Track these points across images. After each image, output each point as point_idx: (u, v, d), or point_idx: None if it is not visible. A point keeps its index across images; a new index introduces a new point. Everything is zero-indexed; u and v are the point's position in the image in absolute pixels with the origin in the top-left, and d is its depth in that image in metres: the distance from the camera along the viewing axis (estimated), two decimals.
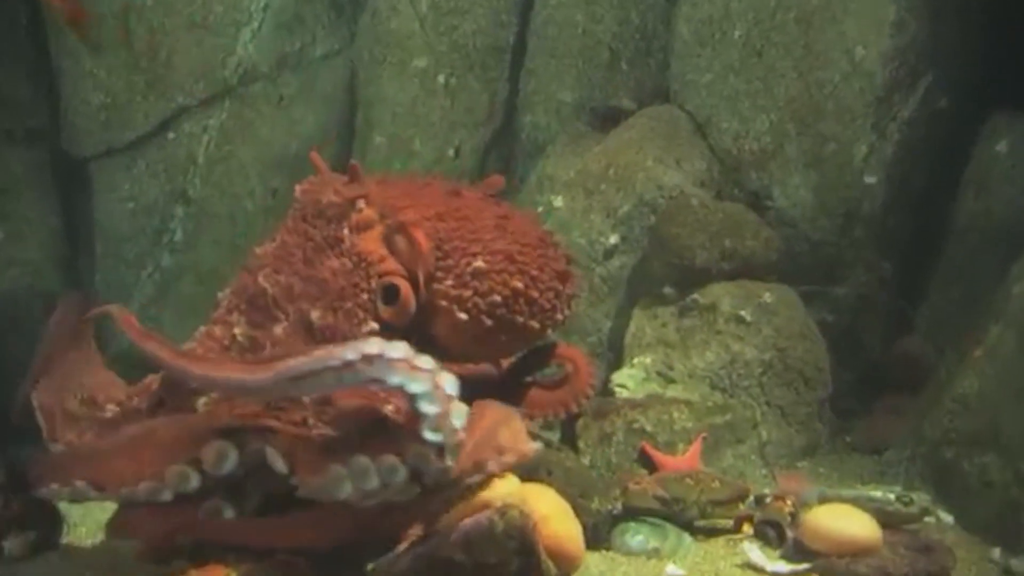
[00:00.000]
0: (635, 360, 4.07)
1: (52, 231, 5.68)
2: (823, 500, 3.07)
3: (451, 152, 5.31)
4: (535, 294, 2.56)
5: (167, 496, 2.22)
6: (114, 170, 5.72)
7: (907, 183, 4.47)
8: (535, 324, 2.58)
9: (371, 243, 2.51)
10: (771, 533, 3.00)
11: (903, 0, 4.32)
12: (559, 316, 2.71)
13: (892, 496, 3.02)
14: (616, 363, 4.22)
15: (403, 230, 2.51)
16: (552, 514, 2.46)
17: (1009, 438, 3.16)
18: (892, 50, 4.34)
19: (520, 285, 2.53)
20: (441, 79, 5.33)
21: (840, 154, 4.44)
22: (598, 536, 2.91)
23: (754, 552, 2.87)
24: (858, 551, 2.76)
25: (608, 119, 5.01)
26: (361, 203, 2.52)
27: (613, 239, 4.51)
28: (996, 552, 2.98)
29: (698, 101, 4.82)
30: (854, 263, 4.50)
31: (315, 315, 2.39)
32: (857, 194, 4.43)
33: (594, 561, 2.79)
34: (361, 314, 2.40)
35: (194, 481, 2.20)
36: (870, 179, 4.39)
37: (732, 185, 4.68)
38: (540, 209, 4.67)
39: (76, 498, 2.41)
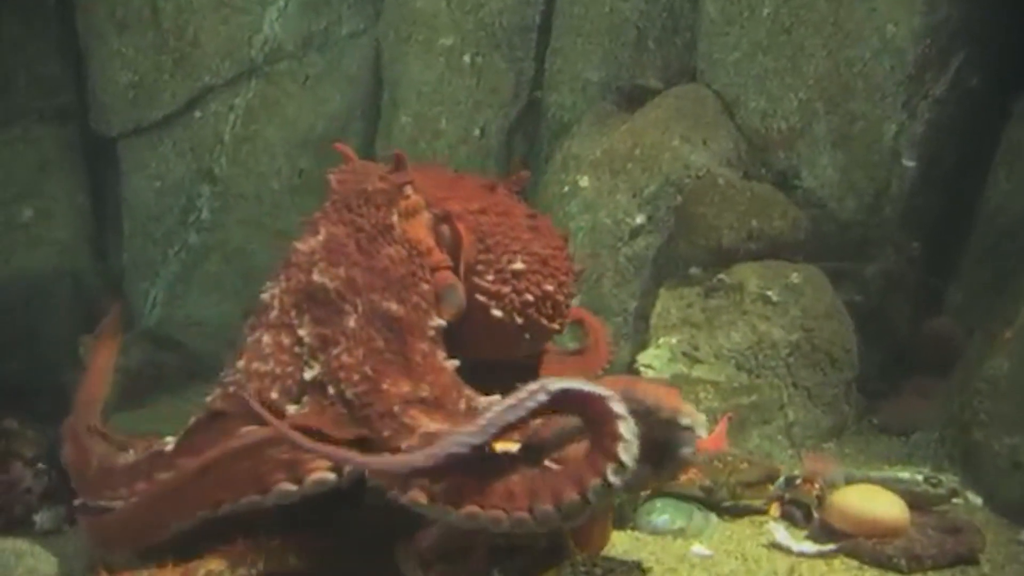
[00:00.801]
0: (661, 340, 4.06)
1: (80, 210, 5.73)
2: (850, 481, 3.06)
3: (476, 132, 5.30)
4: (560, 298, 2.54)
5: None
6: (141, 149, 5.76)
7: (937, 163, 4.43)
8: (555, 327, 2.56)
9: (420, 231, 2.45)
10: (798, 514, 2.99)
11: None
12: (567, 319, 2.69)
13: (920, 477, 3.01)
14: (642, 343, 4.21)
15: (448, 220, 2.47)
16: None
17: None
18: (923, 28, 4.29)
19: (551, 288, 2.51)
20: (467, 58, 5.31)
21: (869, 133, 4.40)
22: (623, 515, 2.91)
23: (780, 532, 2.86)
24: (885, 532, 2.75)
25: (634, 98, 4.98)
26: (408, 189, 2.47)
27: (639, 219, 4.49)
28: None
29: (725, 80, 4.78)
30: (883, 243, 4.46)
31: (393, 306, 2.32)
32: (886, 173, 4.39)
33: (620, 540, 2.79)
34: (424, 305, 2.35)
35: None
36: (909, 162, 4.34)
37: (759, 165, 4.64)
38: (565, 189, 4.65)
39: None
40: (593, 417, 1.90)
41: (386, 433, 2.11)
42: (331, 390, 2.22)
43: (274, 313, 2.34)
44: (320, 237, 2.39)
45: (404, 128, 5.41)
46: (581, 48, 5.19)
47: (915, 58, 4.31)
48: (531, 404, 1.87)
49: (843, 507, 2.85)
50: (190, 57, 5.55)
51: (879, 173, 4.40)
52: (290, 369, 2.30)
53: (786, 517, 3.02)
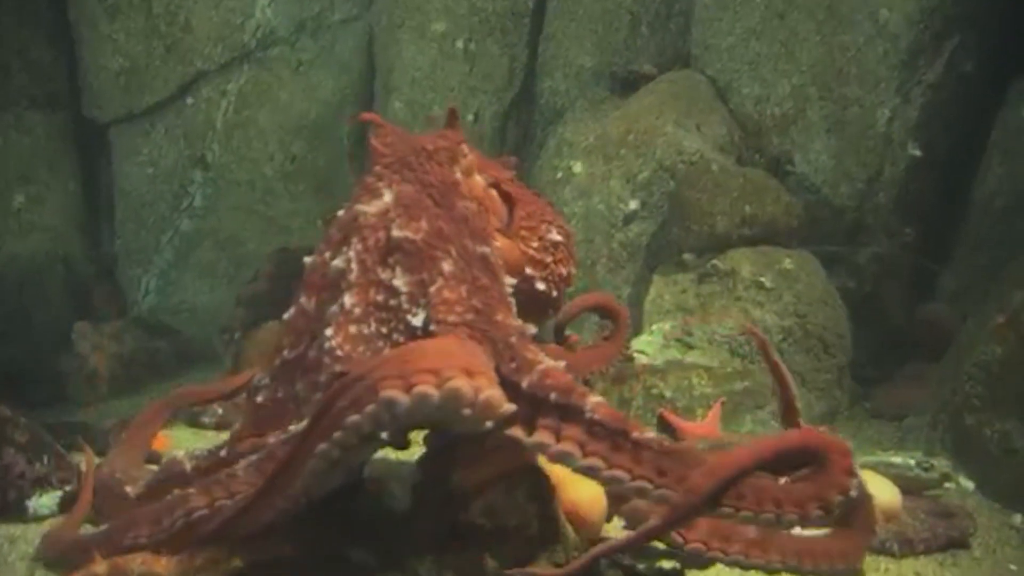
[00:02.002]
0: (654, 326, 4.06)
1: (72, 196, 5.71)
2: None
3: (470, 117, 5.29)
4: (571, 280, 2.55)
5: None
6: (133, 135, 5.75)
7: (931, 148, 4.42)
8: (560, 306, 2.57)
9: (478, 190, 2.44)
10: None
11: None
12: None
13: (912, 462, 3.01)
14: (636, 329, 4.21)
15: (497, 186, 2.46)
16: (572, 479, 2.46)
17: None
18: (917, 13, 4.29)
19: (573, 270, 2.53)
20: (460, 44, 5.30)
21: (863, 118, 4.39)
22: None
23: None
24: (877, 517, 2.75)
25: (628, 84, 4.97)
26: (465, 148, 2.46)
27: (633, 205, 4.49)
28: (1017, 518, 2.98)
29: (719, 65, 4.78)
30: (876, 229, 4.46)
31: (486, 249, 2.30)
32: (879, 159, 4.39)
33: (613, 526, 2.79)
34: (499, 261, 2.34)
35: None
36: (914, 150, 4.34)
37: (753, 150, 4.64)
38: (559, 175, 4.65)
39: None
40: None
41: (512, 364, 2.06)
42: (441, 330, 2.14)
43: (354, 275, 2.26)
44: (387, 198, 2.32)
45: (397, 114, 5.40)
46: (574, 34, 5.18)
47: (909, 43, 4.30)
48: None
49: None
50: (182, 43, 5.53)
51: (872, 159, 4.40)
52: (393, 323, 2.24)
53: None
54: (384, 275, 2.22)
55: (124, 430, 3.35)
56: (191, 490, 2.29)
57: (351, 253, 2.26)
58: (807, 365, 3.95)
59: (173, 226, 5.70)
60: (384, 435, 1.88)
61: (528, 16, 5.33)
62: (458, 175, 2.38)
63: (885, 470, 2.94)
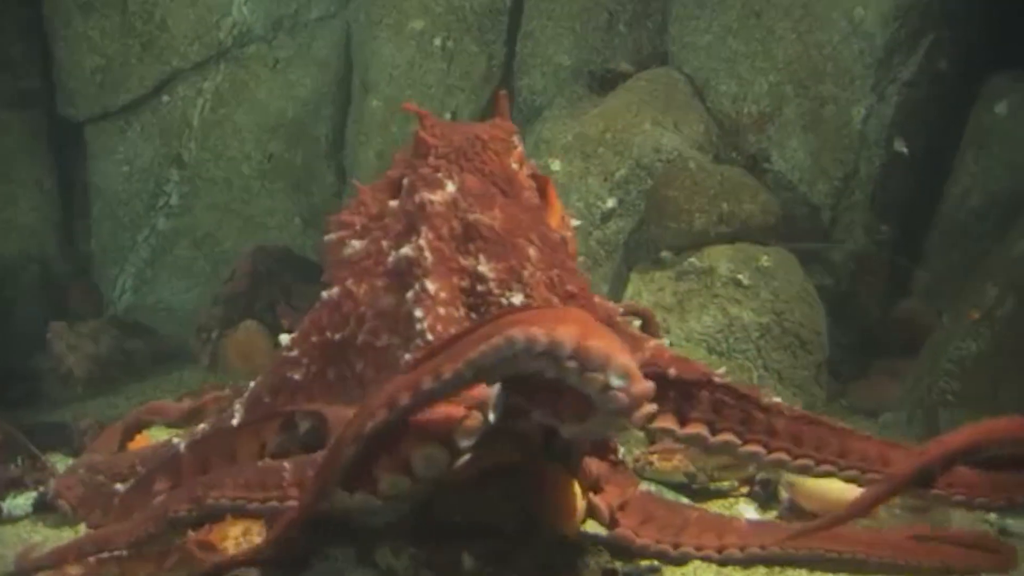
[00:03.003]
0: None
1: (47, 195, 5.68)
2: None
3: (448, 115, 5.28)
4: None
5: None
6: (109, 133, 5.71)
7: (906, 145, 4.44)
8: None
9: (526, 179, 2.43)
10: (763, 494, 3.01)
11: None
12: None
13: None
14: None
15: (539, 179, 2.46)
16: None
17: (1006, 400, 3.17)
18: (893, 11, 4.31)
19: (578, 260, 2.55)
20: (438, 41, 5.29)
21: (839, 116, 4.41)
22: None
23: (750, 513, 2.88)
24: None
25: (606, 82, 4.97)
26: (516, 138, 2.45)
27: (610, 203, 4.49)
28: (992, 513, 2.99)
29: (696, 63, 4.79)
30: (852, 226, 4.48)
31: (567, 234, 2.30)
32: (855, 157, 4.42)
33: (596, 527, 2.79)
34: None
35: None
36: (901, 147, 4.36)
37: (730, 148, 4.66)
38: None
39: None
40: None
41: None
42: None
43: (430, 262, 2.23)
44: (451, 188, 2.32)
45: (375, 112, 5.39)
46: (552, 32, 5.18)
47: (884, 41, 4.32)
48: None
49: (811, 487, 2.86)
50: (158, 40, 5.50)
51: (848, 156, 4.42)
52: (484, 309, 2.22)
53: (756, 498, 3.03)
54: (466, 262, 2.24)
55: (100, 432, 3.35)
56: (174, 492, 2.30)
57: (421, 241, 2.26)
58: (784, 362, 3.97)
59: (149, 225, 5.67)
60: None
61: (506, 14, 5.32)
62: (515, 165, 2.39)
63: None
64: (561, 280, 2.22)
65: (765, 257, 4.09)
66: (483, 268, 2.22)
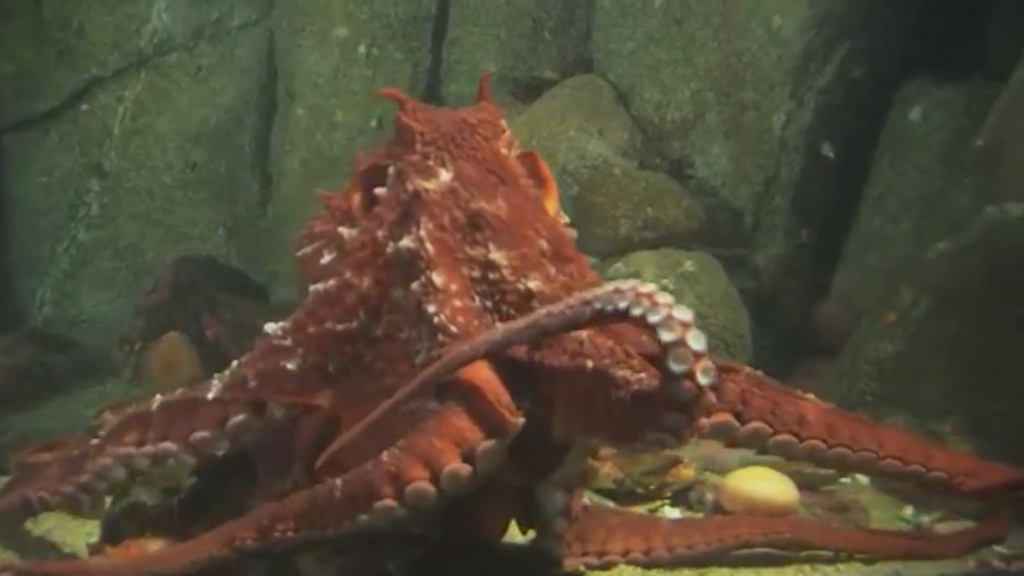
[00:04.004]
0: None
1: None
2: (744, 464, 3.11)
3: (374, 123, 5.26)
4: None
5: None
6: (27, 143, 5.60)
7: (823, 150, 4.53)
8: None
9: (519, 166, 2.36)
10: (691, 497, 3.04)
11: None
12: None
13: None
14: None
15: (528, 156, 2.39)
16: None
17: (921, 400, 3.24)
18: (809, 19, 4.39)
19: None
20: (362, 49, 5.27)
21: (759, 122, 4.49)
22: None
23: (675, 517, 2.91)
24: (775, 512, 2.80)
25: (531, 89, 5.00)
26: (503, 122, 2.37)
27: None
28: (908, 510, 3.06)
29: (620, 71, 4.83)
30: (774, 230, 4.56)
31: (572, 232, 2.25)
32: (775, 162, 4.49)
33: (514, 530, 2.79)
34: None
35: None
36: (828, 152, 4.43)
37: (654, 154, 4.71)
38: None
39: None
40: None
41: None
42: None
43: (433, 254, 2.11)
44: (446, 176, 2.19)
45: (300, 120, 5.35)
46: (478, 39, 5.19)
47: (801, 49, 4.40)
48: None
49: (735, 489, 2.90)
50: (76, 48, 5.41)
51: (769, 162, 4.49)
52: (499, 297, 2.10)
53: (679, 501, 3.07)
54: (474, 252, 2.13)
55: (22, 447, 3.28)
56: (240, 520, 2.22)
57: (422, 232, 2.15)
58: None
59: (69, 236, 5.56)
60: None
61: (431, 21, 5.32)
62: (504, 150, 2.31)
63: (784, 467, 3.00)
64: (581, 274, 2.18)
65: (689, 262, 4.14)
66: (494, 256, 2.11)
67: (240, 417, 2.33)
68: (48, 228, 5.57)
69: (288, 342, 2.30)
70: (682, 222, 4.29)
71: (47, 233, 5.58)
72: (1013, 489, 2.15)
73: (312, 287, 2.30)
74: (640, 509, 3.04)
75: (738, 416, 2.12)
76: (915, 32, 4.34)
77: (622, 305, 1.78)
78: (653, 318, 1.77)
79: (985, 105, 3.42)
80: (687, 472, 3.07)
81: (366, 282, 2.23)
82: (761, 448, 2.14)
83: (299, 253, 2.46)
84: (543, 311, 1.86)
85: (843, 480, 3.17)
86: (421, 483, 1.85)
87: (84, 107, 5.48)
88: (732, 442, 2.16)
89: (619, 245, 4.20)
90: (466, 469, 1.85)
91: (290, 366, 2.28)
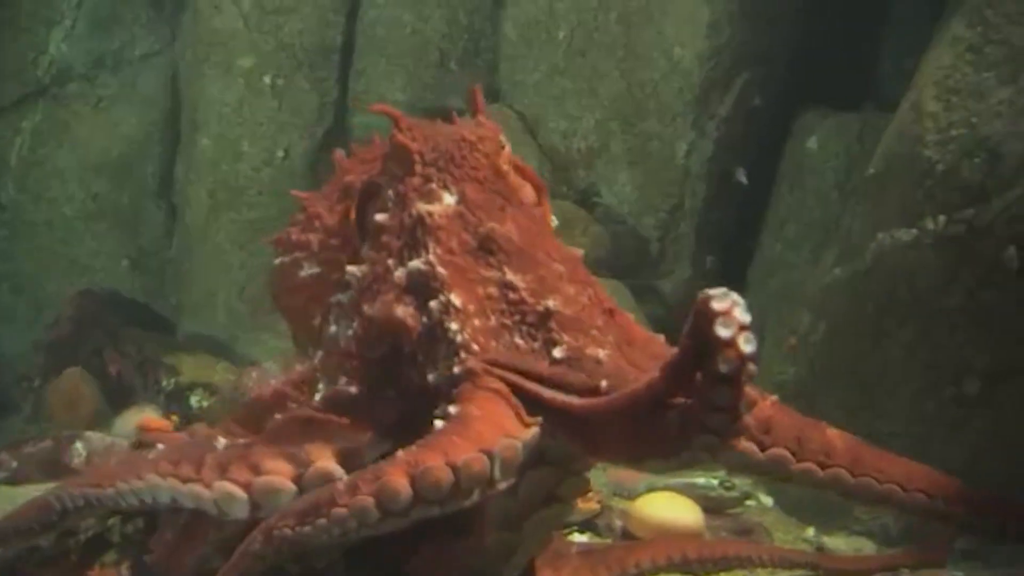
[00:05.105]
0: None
1: None
2: (650, 489, 3.15)
3: (280, 153, 5.23)
4: None
5: None
6: None
7: (727, 178, 4.62)
8: None
9: (522, 184, 2.30)
10: (600, 523, 3.06)
11: (718, 2, 4.47)
12: None
13: (715, 482, 3.13)
14: None
15: (527, 176, 2.33)
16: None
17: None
18: (708, 50, 4.48)
19: None
20: (267, 79, 5.23)
21: (662, 151, 4.56)
22: None
23: (583, 543, 2.92)
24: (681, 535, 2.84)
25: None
26: (503, 137, 2.30)
27: None
28: (810, 531, 3.13)
29: (527, 101, 4.89)
30: (680, 257, 4.63)
31: (578, 253, 2.19)
32: (679, 190, 4.57)
33: None
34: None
35: None
36: (742, 178, 4.51)
37: (562, 183, 4.76)
38: None
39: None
40: None
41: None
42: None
43: (447, 276, 2.01)
44: (451, 199, 2.08)
45: (205, 150, 5.29)
46: (384, 69, 5.20)
47: (701, 80, 4.50)
48: None
49: (642, 515, 2.94)
50: None
51: (673, 189, 4.57)
52: (518, 317, 2.09)
53: (589, 528, 3.08)
54: (489, 273, 2.05)
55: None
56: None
57: (431, 257, 2.07)
58: None
59: None
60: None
61: (337, 52, 5.31)
62: (505, 167, 2.26)
63: (689, 491, 3.05)
64: (599, 297, 2.15)
65: None
66: (511, 277, 2.02)
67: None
68: None
69: (344, 379, 2.21)
70: (590, 250, 4.27)
71: None
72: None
73: (330, 331, 2.22)
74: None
75: (760, 444, 2.13)
76: (811, 63, 4.46)
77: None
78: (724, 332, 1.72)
79: (876, 134, 3.52)
80: (590, 505, 3.08)
81: (401, 311, 2.18)
82: (785, 476, 2.14)
83: (276, 261, 2.40)
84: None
85: (748, 503, 3.22)
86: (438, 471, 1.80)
87: None
88: (756, 469, 2.16)
89: None
90: (484, 461, 1.81)
91: (352, 390, 2.21)
